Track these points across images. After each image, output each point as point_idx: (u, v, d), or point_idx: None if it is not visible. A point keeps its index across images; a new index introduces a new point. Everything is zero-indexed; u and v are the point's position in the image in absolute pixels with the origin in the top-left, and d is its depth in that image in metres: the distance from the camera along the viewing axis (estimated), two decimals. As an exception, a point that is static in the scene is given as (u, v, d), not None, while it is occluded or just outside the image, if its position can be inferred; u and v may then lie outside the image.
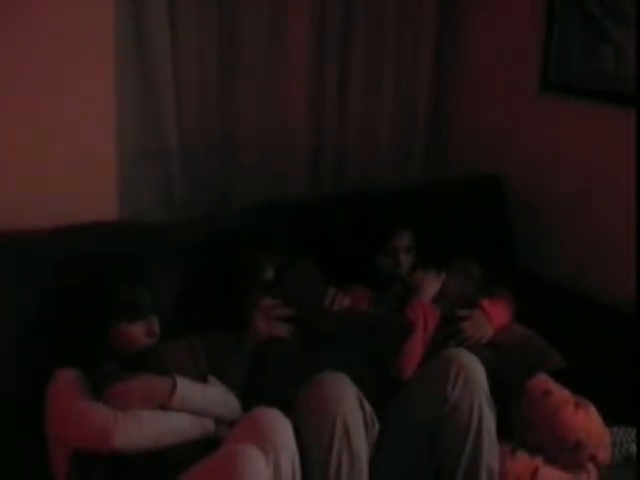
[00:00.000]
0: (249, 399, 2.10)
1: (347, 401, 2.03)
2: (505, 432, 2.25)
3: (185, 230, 2.45)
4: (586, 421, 2.27)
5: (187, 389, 1.98)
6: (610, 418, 2.32)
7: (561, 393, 2.35)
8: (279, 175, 2.98)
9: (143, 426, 1.89)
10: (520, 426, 2.34)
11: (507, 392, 2.31)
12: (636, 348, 2.40)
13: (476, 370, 2.19)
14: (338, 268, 2.48)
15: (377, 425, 2.10)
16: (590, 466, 2.27)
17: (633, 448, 2.31)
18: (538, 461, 2.25)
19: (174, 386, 1.95)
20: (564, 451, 2.25)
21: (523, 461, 2.24)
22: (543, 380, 2.40)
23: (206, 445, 1.97)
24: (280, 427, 1.92)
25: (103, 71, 2.35)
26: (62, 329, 2.08)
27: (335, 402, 2.01)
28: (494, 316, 2.52)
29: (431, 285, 2.51)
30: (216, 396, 2.07)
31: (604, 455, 2.28)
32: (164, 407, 1.95)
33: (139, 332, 2.07)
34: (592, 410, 2.30)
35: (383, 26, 3.06)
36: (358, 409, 2.06)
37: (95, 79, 2.34)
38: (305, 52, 2.91)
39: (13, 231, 2.17)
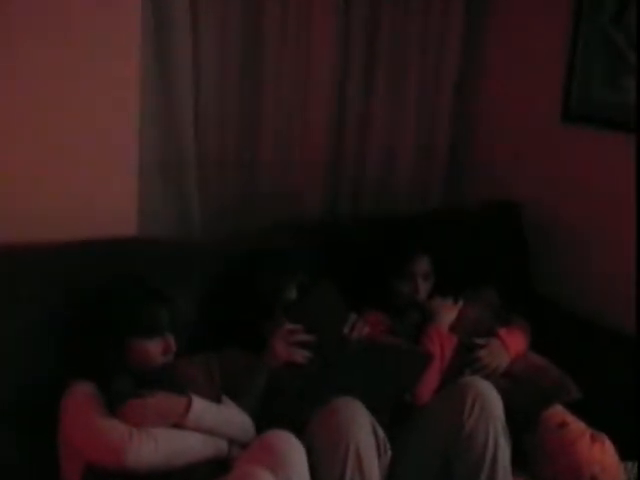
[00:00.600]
0: (262, 420, 2.09)
1: (360, 427, 2.02)
2: (519, 463, 2.24)
3: (204, 248, 2.44)
4: (602, 455, 2.25)
5: (202, 408, 1.97)
6: (624, 453, 2.30)
7: (577, 425, 2.34)
8: (296, 193, 3.00)
9: (157, 445, 1.88)
10: (534, 457, 2.32)
11: (522, 423, 2.29)
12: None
13: (493, 399, 2.18)
14: (354, 291, 2.46)
15: (389, 451, 2.09)
16: (603, 500, 2.23)
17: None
18: (552, 494, 2.22)
19: (189, 405, 1.95)
20: (578, 484, 2.22)
21: (537, 493, 2.20)
22: (559, 411, 2.38)
23: (219, 466, 1.97)
24: (293, 451, 1.91)
25: (129, 83, 2.33)
26: (77, 343, 2.08)
27: (347, 428, 2.00)
28: (511, 345, 2.51)
29: (448, 313, 2.49)
30: (230, 416, 2.06)
31: (617, 490, 2.24)
32: (179, 426, 1.94)
33: (155, 349, 2.06)
34: (608, 444, 2.28)
35: (405, 57, 3.08)
36: (371, 435, 2.05)
37: (122, 90, 2.32)
38: (327, 80, 2.94)
39: (31, 244, 2.18)
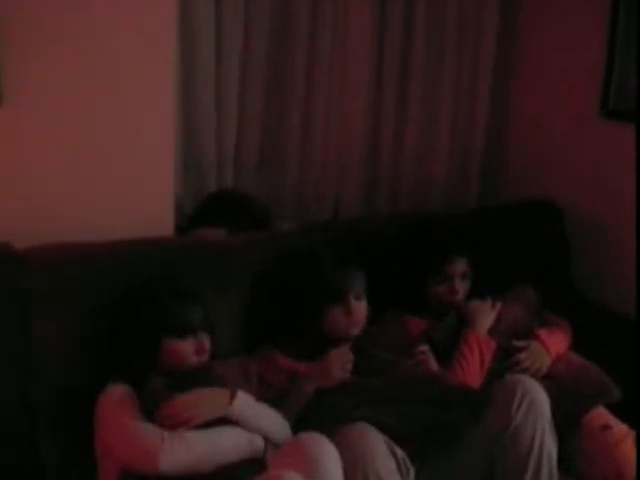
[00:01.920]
0: (298, 428, 2.08)
1: (377, 455, 1.96)
2: (562, 465, 2.20)
3: (244, 248, 2.41)
4: (645, 456, 2.20)
5: (245, 400, 1.99)
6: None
7: (620, 428, 2.30)
8: (331, 194, 3.00)
9: (191, 448, 1.88)
10: (577, 460, 2.29)
11: (564, 425, 2.25)
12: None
13: (540, 397, 2.14)
14: (389, 293, 2.44)
15: (412, 468, 2.04)
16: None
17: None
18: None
19: (233, 396, 1.96)
20: (622, 486, 2.18)
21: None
22: (601, 413, 2.35)
23: (254, 466, 1.95)
24: (327, 457, 1.87)
25: (165, 76, 2.30)
26: (110, 344, 2.08)
27: (365, 457, 1.94)
28: (552, 347, 2.47)
29: (487, 315, 2.45)
30: (269, 413, 2.05)
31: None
32: (223, 418, 1.95)
33: (188, 349, 2.05)
34: (651, 445, 2.23)
35: (443, 54, 3.08)
36: (389, 457, 1.99)
37: (157, 87, 2.30)
38: (362, 78, 2.94)
39: (70, 244, 2.17)
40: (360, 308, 2.27)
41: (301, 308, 2.25)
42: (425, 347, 2.31)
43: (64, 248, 2.17)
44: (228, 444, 1.94)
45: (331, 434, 1.92)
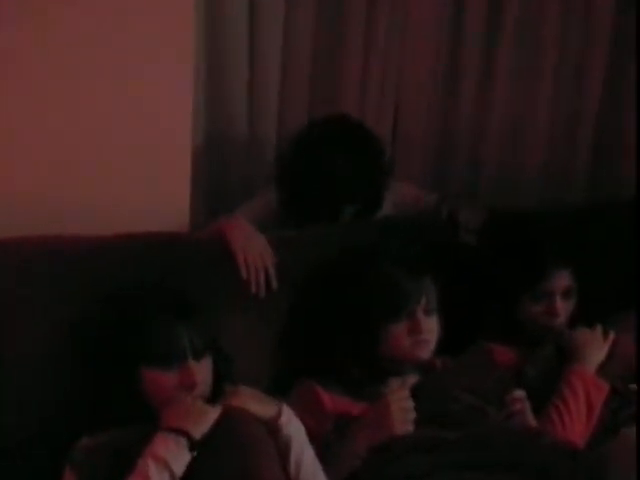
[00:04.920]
0: None
1: None
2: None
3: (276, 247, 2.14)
4: None
5: (290, 415, 1.75)
6: None
7: None
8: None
9: None
10: None
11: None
12: None
13: None
14: (466, 313, 2.16)
15: None
16: None
17: None
18: None
19: (280, 410, 1.73)
20: None
21: None
22: None
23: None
24: None
25: (182, 48, 2.15)
26: (82, 370, 1.80)
27: None
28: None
29: (597, 349, 2.15)
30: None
31: None
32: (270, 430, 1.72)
33: (170, 382, 1.73)
34: None
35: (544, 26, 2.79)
36: None
37: (174, 58, 2.13)
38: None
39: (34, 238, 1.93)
40: (430, 325, 2.02)
41: (354, 325, 2.00)
42: (521, 393, 1.99)
43: (31, 243, 1.92)
44: None
45: None
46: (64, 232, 1.96)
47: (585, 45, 2.85)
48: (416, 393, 1.92)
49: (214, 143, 2.59)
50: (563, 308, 2.18)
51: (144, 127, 2.13)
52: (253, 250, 2.05)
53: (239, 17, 2.49)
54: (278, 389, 1.96)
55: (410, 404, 1.89)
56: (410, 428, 1.89)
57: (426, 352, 2.03)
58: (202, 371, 1.74)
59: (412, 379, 2.00)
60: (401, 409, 1.89)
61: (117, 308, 1.79)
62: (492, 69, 2.80)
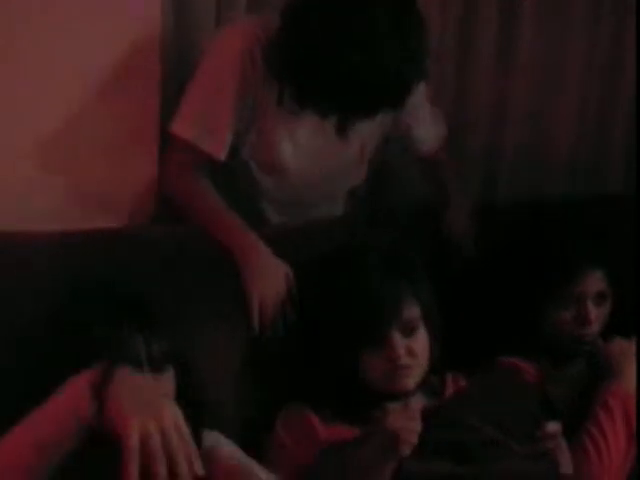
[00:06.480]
0: None
1: None
2: None
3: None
4: None
5: None
6: None
7: None
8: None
9: None
10: None
11: None
12: None
13: None
14: (483, 323, 1.96)
15: None
16: None
17: None
18: None
19: None
20: None
21: None
22: None
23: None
24: None
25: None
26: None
27: None
28: None
29: (635, 364, 1.95)
30: None
31: None
32: None
33: None
34: None
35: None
36: None
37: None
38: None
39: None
40: (411, 345, 1.77)
41: (330, 350, 1.77)
42: (556, 427, 1.74)
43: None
44: None
45: None
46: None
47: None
48: (424, 419, 1.66)
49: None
50: (596, 316, 1.97)
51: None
52: (271, 290, 1.79)
53: None
54: (262, 415, 1.75)
55: (417, 427, 1.63)
56: (407, 451, 1.63)
57: (407, 381, 1.77)
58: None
59: (417, 403, 1.76)
60: (408, 428, 1.64)
61: (57, 307, 1.59)
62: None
